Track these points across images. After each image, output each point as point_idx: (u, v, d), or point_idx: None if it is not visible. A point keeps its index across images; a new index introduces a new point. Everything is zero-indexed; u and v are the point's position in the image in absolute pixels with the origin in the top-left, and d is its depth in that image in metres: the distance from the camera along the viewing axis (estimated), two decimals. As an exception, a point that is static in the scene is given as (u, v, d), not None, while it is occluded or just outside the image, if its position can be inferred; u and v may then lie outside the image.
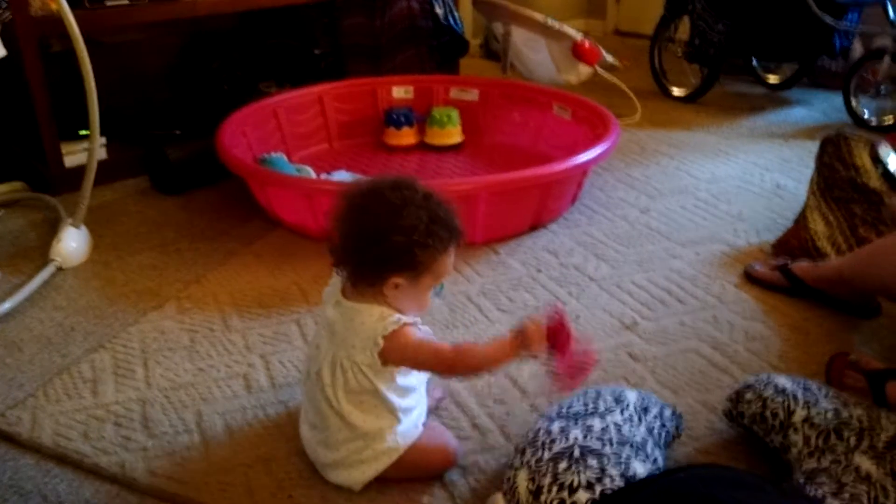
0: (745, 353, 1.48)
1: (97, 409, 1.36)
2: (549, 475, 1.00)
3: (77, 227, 1.91)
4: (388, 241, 1.06)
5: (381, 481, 1.16)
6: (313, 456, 1.20)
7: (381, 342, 1.09)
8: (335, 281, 1.19)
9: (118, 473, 1.21)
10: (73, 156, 2.28)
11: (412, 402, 1.18)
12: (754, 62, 3.27)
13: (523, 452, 1.07)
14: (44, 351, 1.53)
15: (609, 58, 2.83)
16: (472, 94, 2.67)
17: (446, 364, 1.14)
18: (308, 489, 1.17)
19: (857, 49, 2.98)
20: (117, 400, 1.38)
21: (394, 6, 2.90)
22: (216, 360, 1.49)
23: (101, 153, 2.30)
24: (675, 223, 2.04)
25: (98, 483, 1.20)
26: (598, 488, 0.97)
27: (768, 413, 1.16)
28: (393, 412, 1.14)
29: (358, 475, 1.15)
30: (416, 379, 1.18)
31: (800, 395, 1.16)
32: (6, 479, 1.21)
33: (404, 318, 1.11)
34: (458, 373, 1.19)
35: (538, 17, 2.85)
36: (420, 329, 1.13)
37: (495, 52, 3.62)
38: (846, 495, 0.98)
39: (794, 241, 1.81)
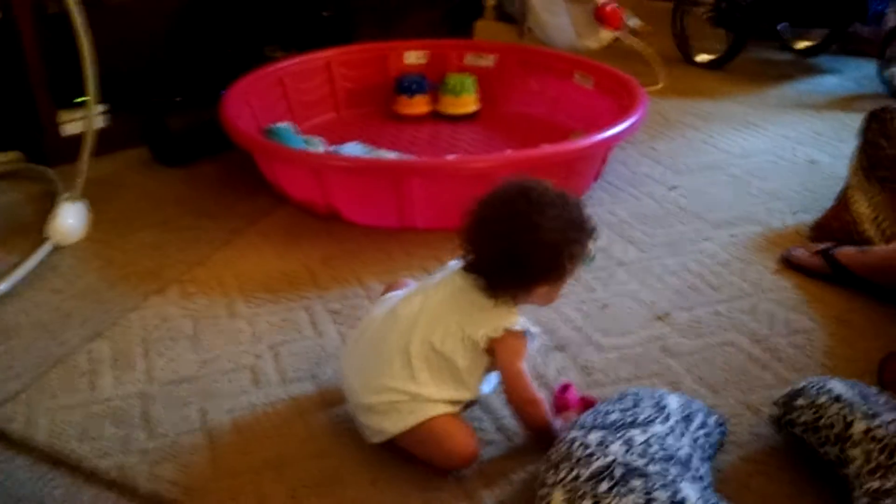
0: (788, 347, 1.38)
1: (95, 404, 1.27)
2: (588, 498, 0.91)
3: (74, 201, 1.81)
4: (532, 259, 1.07)
5: (399, 467, 1.11)
6: (350, 393, 1.16)
7: (501, 333, 1.09)
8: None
9: (118, 478, 1.12)
10: (71, 124, 2.17)
11: (469, 396, 1.15)
12: (782, 27, 3.12)
13: (557, 468, 0.98)
14: (39, 339, 1.44)
15: (632, 21, 2.69)
16: (488, 60, 2.54)
17: (523, 398, 1.13)
18: (323, 497, 1.09)
19: (892, 15, 2.84)
20: (117, 395, 1.29)
21: (405, -34, 2.76)
22: (222, 350, 1.39)
23: (100, 122, 2.19)
24: (706, 202, 1.92)
25: (96, 489, 1.12)
26: (644, 513, 0.88)
27: (823, 422, 1.06)
28: (451, 392, 1.11)
29: (389, 425, 1.10)
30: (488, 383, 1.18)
31: (858, 403, 1.06)
32: (-2, 484, 1.13)
33: (530, 329, 1.12)
34: (522, 411, 1.15)
35: (558, -23, 2.71)
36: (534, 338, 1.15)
37: (510, 14, 3.47)
38: (916, 521, 0.89)
39: (835, 224, 1.70)
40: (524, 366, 1.12)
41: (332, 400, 1.26)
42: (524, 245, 1.07)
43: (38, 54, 2.07)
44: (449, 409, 1.11)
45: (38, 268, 1.65)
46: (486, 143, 2.29)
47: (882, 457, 0.99)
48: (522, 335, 1.12)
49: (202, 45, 2.57)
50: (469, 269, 1.12)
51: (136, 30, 2.47)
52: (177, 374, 1.34)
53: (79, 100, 2.02)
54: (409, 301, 1.16)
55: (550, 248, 1.07)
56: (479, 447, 1.12)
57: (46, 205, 1.85)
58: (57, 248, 1.72)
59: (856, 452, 1.01)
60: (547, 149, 1.82)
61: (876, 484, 0.97)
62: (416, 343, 1.10)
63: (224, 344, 1.41)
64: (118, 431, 1.21)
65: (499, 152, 2.10)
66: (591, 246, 1.12)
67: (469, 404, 1.19)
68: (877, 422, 1.02)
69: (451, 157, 2.10)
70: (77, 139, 1.88)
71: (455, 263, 1.17)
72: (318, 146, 2.09)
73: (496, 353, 1.11)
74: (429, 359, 1.10)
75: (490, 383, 1.20)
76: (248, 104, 2.14)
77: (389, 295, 1.25)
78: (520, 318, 1.12)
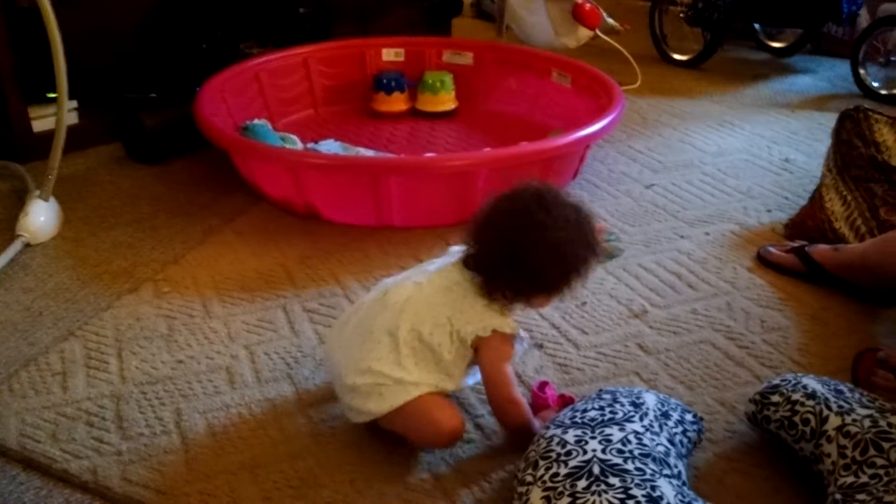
0: (763, 345, 1.40)
1: (67, 406, 1.25)
2: (566, 496, 0.91)
3: (46, 199, 1.78)
4: (543, 273, 1.08)
5: (377, 466, 1.09)
6: (335, 374, 1.16)
7: (490, 332, 1.09)
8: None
9: (90, 481, 1.11)
10: (43, 120, 2.14)
11: (452, 387, 1.15)
12: (757, 27, 3.15)
13: (535, 465, 0.98)
14: (10, 339, 1.41)
15: (610, 20, 2.70)
16: (467, 58, 2.53)
17: (503, 397, 1.13)
18: (299, 499, 1.08)
19: (864, 16, 2.87)
20: (89, 396, 1.27)
21: (383, -37, 2.74)
22: (196, 350, 1.38)
23: (72, 118, 2.15)
24: (682, 200, 1.93)
25: (68, 491, 1.10)
26: (621, 511, 0.88)
27: (798, 419, 1.07)
28: (435, 382, 1.11)
29: (373, 406, 1.10)
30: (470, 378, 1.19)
31: (832, 399, 1.07)
32: (-34, 487, 1.10)
33: (519, 332, 1.13)
34: (502, 411, 1.15)
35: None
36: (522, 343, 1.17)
37: (488, 12, 3.48)
38: (889, 516, 0.90)
39: (810, 222, 1.72)
40: (508, 368, 1.12)
41: (308, 400, 1.26)
42: (537, 259, 1.07)
43: (8, 49, 2.03)
44: (433, 390, 1.11)
45: (8, 266, 1.62)
46: (465, 140, 2.29)
47: (855, 453, 1.00)
48: (510, 338, 1.11)
49: (177, 41, 2.54)
50: (469, 265, 1.12)
51: (109, 25, 2.44)
52: (151, 374, 1.32)
53: (51, 95, 1.99)
54: (400, 287, 1.16)
55: (562, 266, 1.08)
56: (464, 424, 1.12)
57: (17, 203, 1.82)
58: (28, 247, 1.70)
59: (830, 448, 1.02)
60: (525, 147, 1.82)
61: (850, 479, 0.98)
62: (404, 329, 1.10)
63: (199, 344, 1.39)
64: (91, 432, 1.19)
65: (477, 150, 2.09)
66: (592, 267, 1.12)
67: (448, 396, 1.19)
68: (850, 418, 1.03)
69: (429, 155, 2.09)
70: (49, 135, 1.85)
71: (456, 250, 1.17)
72: (296, 143, 2.07)
73: (481, 351, 1.11)
74: (415, 348, 1.10)
75: (475, 376, 1.19)
76: (223, 101, 2.12)
77: (382, 282, 1.24)
78: (510, 320, 1.11)
